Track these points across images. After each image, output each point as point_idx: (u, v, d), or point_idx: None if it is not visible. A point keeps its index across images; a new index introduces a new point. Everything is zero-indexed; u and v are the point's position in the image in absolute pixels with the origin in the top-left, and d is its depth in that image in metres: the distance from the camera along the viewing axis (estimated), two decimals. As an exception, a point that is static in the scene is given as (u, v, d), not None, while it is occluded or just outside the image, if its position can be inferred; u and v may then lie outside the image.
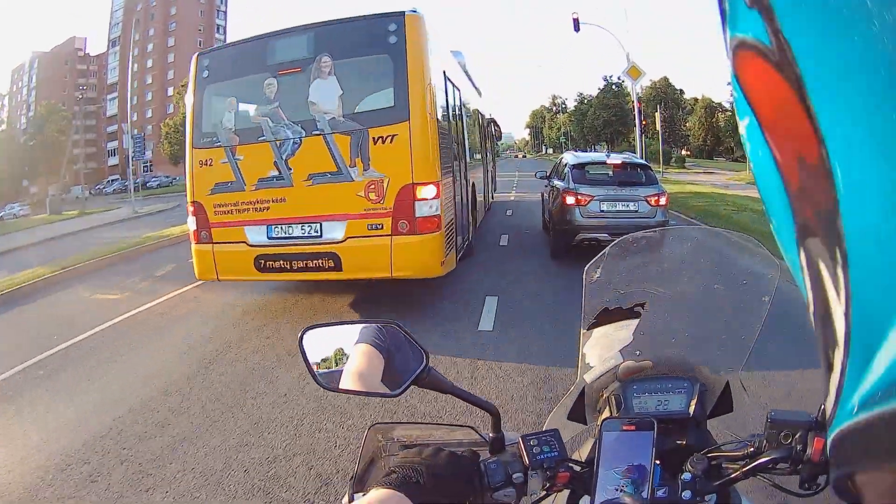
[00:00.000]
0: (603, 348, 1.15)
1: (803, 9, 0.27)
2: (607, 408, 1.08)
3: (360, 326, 0.95)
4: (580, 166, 8.85)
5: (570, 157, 9.67)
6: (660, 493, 0.89)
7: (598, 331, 1.17)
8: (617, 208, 8.23)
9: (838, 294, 0.28)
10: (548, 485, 0.88)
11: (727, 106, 65.29)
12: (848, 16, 0.25)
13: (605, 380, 1.11)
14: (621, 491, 0.85)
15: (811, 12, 0.27)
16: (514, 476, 0.86)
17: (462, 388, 0.91)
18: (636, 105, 24.91)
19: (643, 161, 10.34)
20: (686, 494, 0.89)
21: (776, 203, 0.32)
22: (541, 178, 11.36)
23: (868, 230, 0.26)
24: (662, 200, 8.28)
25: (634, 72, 21.26)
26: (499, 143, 18.83)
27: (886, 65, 0.24)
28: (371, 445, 0.95)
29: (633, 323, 1.13)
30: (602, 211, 8.16)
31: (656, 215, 8.16)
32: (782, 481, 0.90)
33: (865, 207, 0.26)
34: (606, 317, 1.16)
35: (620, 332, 1.14)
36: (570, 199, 8.17)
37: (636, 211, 8.16)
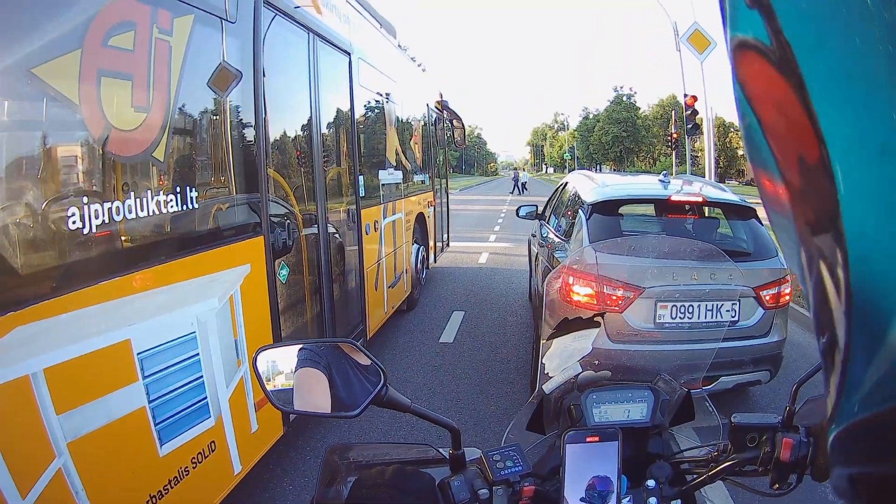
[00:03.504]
0: (561, 359, 1.19)
1: (803, 9, 0.27)
2: (567, 418, 1.09)
3: (310, 346, 0.95)
4: (608, 208, 3.89)
5: (583, 185, 4.48)
6: (625, 501, 0.94)
7: (556, 342, 1.23)
8: (693, 318, 3.37)
9: (838, 294, 0.28)
10: (513, 499, 0.90)
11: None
12: (848, 16, 0.25)
13: (564, 390, 1.13)
14: (588, 502, 0.89)
15: (811, 13, 0.26)
16: (480, 492, 0.88)
17: (419, 407, 0.90)
18: (686, 103, 14.62)
19: (738, 198, 4.11)
20: (652, 501, 0.95)
21: (776, 203, 0.32)
22: (525, 217, 6.06)
23: (868, 230, 0.26)
24: (787, 291, 3.60)
25: (699, 40, 13.05)
26: (458, 149, 12.06)
27: (886, 65, 0.24)
28: (330, 467, 0.98)
29: (592, 333, 1.22)
30: (660, 324, 3.36)
31: (770, 332, 3.56)
32: (751, 483, 0.97)
33: (865, 207, 0.26)
34: (565, 327, 1.24)
35: (578, 343, 1.20)
36: (580, 293, 3.24)
37: (733, 321, 3.41)
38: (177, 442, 2.05)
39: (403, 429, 3.54)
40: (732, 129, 61.72)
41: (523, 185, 37.14)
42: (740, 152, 61.56)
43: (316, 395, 0.91)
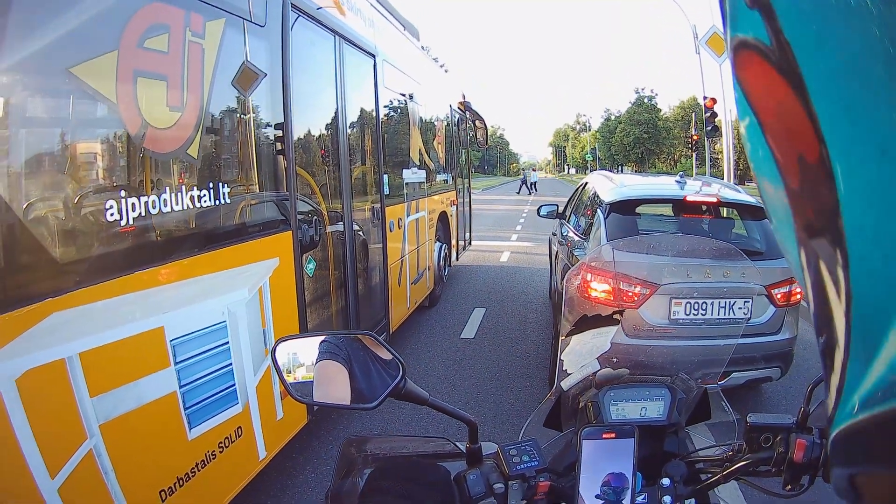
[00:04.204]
0: (580, 356, 1.19)
1: (804, 9, 0.27)
2: (584, 415, 1.08)
3: (331, 338, 0.95)
4: (626, 207, 4.08)
5: (602, 185, 4.64)
6: (640, 499, 0.93)
7: (575, 338, 1.22)
8: (707, 315, 3.48)
9: (838, 294, 0.28)
10: (529, 494, 0.89)
11: None
12: (848, 16, 0.25)
13: (582, 387, 1.13)
14: (602, 499, 0.89)
15: (811, 13, 0.27)
16: (495, 486, 0.87)
17: (437, 399, 0.89)
18: (705, 105, 14.48)
19: (753, 199, 4.18)
20: (666, 500, 0.94)
21: (776, 203, 0.32)
22: (546, 216, 6.10)
23: (868, 230, 0.26)
24: (798, 290, 3.66)
25: (717, 43, 12.64)
26: (480, 149, 11.93)
27: (886, 65, 0.24)
28: (346, 459, 0.98)
29: (611, 331, 1.22)
30: (675, 320, 3.46)
31: (781, 329, 3.67)
32: (764, 483, 0.96)
33: (865, 207, 0.26)
34: (584, 325, 1.23)
35: (597, 340, 1.20)
36: (598, 289, 3.25)
37: (745, 319, 3.55)
38: (205, 426, 2.14)
39: (423, 421, 3.61)
40: None
41: (533, 184, 36.81)
42: None
43: (336, 387, 0.91)
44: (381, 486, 0.90)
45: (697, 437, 1.22)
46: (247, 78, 2.51)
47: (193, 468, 2.09)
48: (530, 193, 33.98)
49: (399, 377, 0.87)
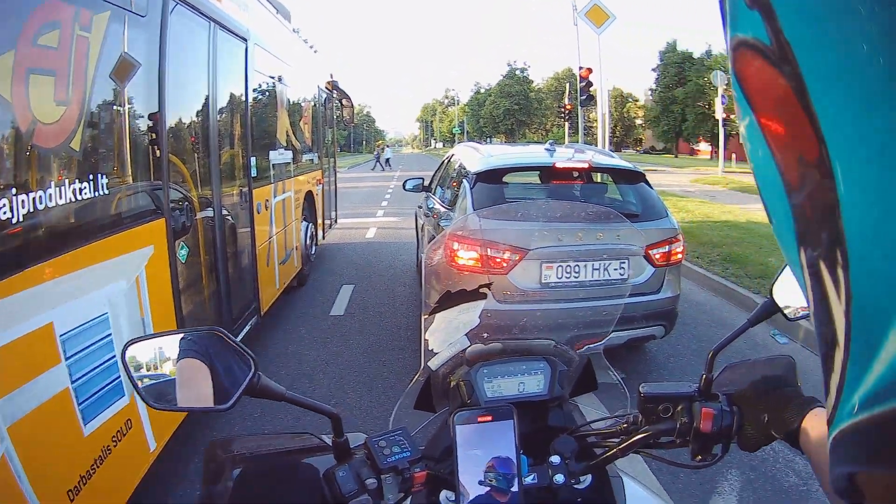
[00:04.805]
0: (446, 333, 1.12)
1: (804, 9, 0.27)
2: (457, 394, 1.03)
3: (181, 336, 0.87)
4: (492, 177, 4.05)
5: (468, 156, 4.64)
6: (529, 479, 0.88)
7: (440, 316, 1.14)
8: (581, 276, 3.56)
9: (838, 294, 0.28)
10: (405, 486, 0.84)
11: (638, 96, 63.43)
12: (848, 16, 0.25)
13: (452, 365, 1.09)
14: (488, 485, 0.84)
15: (812, 12, 0.26)
16: (368, 482, 0.82)
17: (296, 393, 0.84)
18: (581, 75, 15.15)
19: (627, 163, 4.49)
20: (558, 478, 0.89)
21: (776, 203, 0.32)
22: (412, 189, 6.14)
23: (868, 230, 0.26)
24: (678, 250, 3.83)
25: (598, 14, 13.25)
26: (346, 127, 11.70)
27: (886, 64, 0.24)
28: (212, 462, 0.91)
29: (478, 305, 1.13)
30: (546, 283, 3.52)
31: (662, 288, 3.77)
32: (670, 455, 0.90)
33: (866, 207, 0.26)
34: (448, 300, 1.14)
35: (464, 316, 1.12)
36: (465, 257, 3.33)
37: (622, 280, 3.59)
38: (98, 421, 2.16)
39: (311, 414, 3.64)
40: (630, 100, 63.37)
41: (387, 160, 37.85)
42: (638, 121, 63.03)
43: (198, 387, 0.85)
44: (250, 491, 0.85)
45: (588, 409, 1.19)
46: (125, 69, 2.50)
47: (93, 465, 2.10)
48: (383, 169, 34.71)
49: (251, 373, 0.81)
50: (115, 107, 2.48)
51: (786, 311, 0.97)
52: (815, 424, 0.79)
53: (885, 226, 0.25)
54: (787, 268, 0.85)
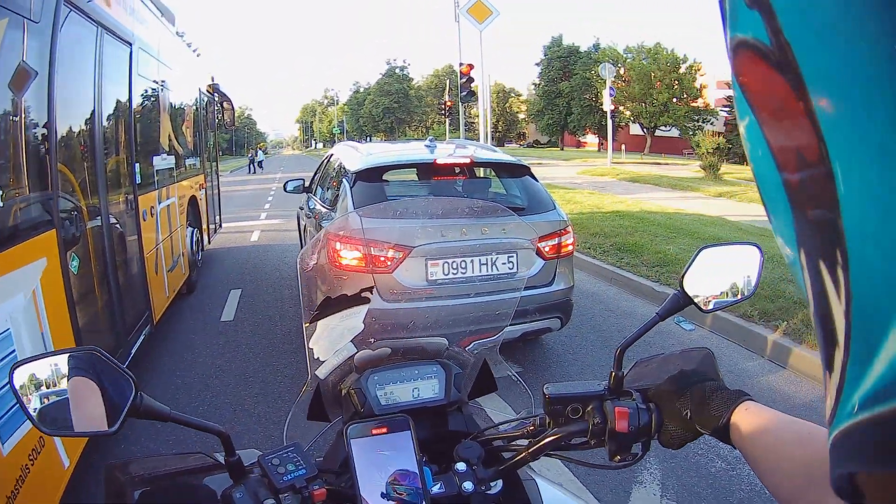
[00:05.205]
0: (331, 340, 1.09)
1: (804, 9, 0.26)
2: (349, 403, 0.98)
3: (67, 355, 0.81)
4: (372, 175, 4.02)
5: (347, 155, 4.57)
6: (436, 489, 0.84)
7: (322, 323, 1.11)
8: (469, 272, 3.54)
9: (838, 294, 0.28)
10: None
11: (521, 91, 63.94)
12: (848, 16, 0.24)
13: (340, 373, 1.05)
14: (392, 498, 0.81)
15: (812, 12, 0.26)
16: (266, 503, 0.79)
17: (181, 413, 0.81)
18: (461, 71, 14.82)
19: (511, 157, 4.46)
20: (467, 486, 0.85)
21: (776, 203, 0.31)
22: (293, 191, 6.03)
23: (868, 230, 0.25)
24: (568, 242, 3.86)
25: (480, 10, 13.01)
26: (228, 130, 11.24)
27: (886, 65, 0.23)
28: (112, 485, 0.86)
29: (361, 310, 1.10)
30: (433, 281, 3.49)
31: (554, 280, 3.78)
32: (586, 456, 0.86)
33: (866, 207, 0.25)
34: (329, 307, 1.11)
35: (348, 321, 1.09)
36: (348, 257, 3.30)
37: (511, 274, 3.55)
38: (14, 439, 2.12)
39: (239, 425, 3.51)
40: (513, 95, 63.64)
41: (259, 163, 37.88)
42: (521, 116, 63.01)
43: (91, 407, 0.80)
44: None
45: (493, 411, 1.15)
46: (17, 76, 2.44)
47: (16, 485, 2.07)
48: (255, 172, 34.68)
49: (133, 394, 0.77)
50: (5, 117, 2.41)
51: (698, 302, 0.93)
52: (746, 418, 0.75)
53: (885, 226, 0.24)
54: (699, 257, 0.92)
